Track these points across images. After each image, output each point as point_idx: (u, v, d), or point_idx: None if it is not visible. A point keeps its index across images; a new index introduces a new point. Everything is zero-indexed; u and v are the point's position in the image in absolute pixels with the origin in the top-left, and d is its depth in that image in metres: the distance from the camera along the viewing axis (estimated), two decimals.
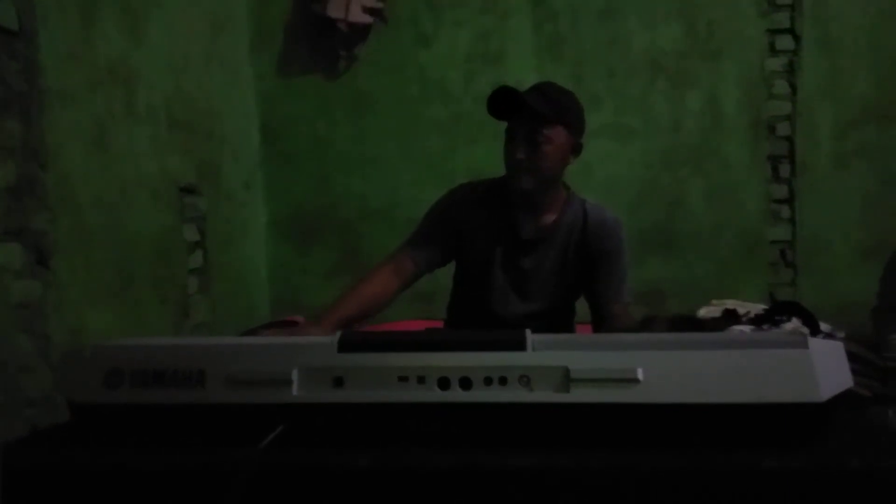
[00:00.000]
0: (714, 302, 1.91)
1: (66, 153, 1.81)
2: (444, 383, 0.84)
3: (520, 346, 0.85)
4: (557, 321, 1.67)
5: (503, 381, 0.84)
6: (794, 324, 1.58)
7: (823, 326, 1.57)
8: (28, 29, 1.66)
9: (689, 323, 1.51)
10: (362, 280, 1.58)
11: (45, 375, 1.66)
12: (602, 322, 1.61)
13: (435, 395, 0.84)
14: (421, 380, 0.85)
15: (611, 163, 3.11)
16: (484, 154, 3.02)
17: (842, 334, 1.56)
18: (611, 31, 3.12)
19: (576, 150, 1.57)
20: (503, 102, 1.49)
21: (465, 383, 0.84)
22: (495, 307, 1.63)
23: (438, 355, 0.85)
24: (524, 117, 1.50)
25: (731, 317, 1.71)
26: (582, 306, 1.76)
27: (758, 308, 1.70)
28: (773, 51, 3.11)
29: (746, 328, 1.59)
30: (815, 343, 0.83)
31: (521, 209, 1.59)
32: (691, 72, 3.11)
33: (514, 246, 1.60)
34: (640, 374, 0.82)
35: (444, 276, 1.82)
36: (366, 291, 1.54)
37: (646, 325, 1.45)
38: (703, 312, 1.81)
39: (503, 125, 1.56)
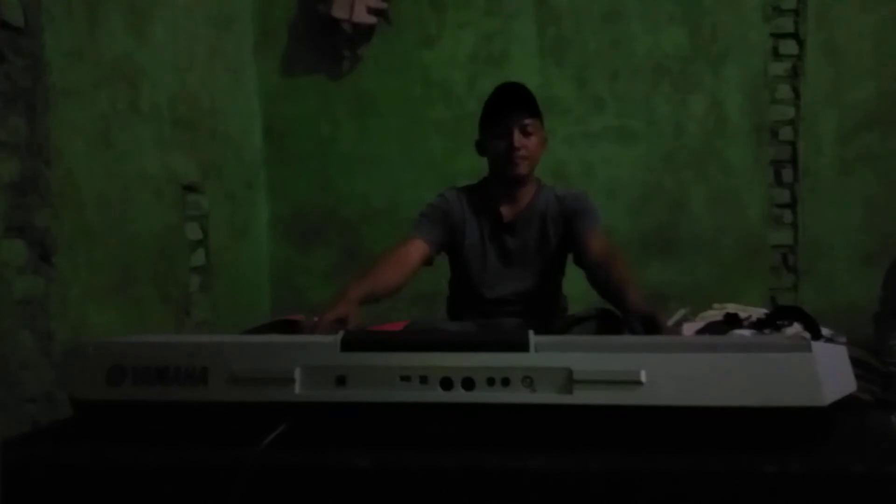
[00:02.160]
0: (715, 306, 1.91)
1: (70, 150, 1.81)
2: (446, 383, 0.84)
3: (523, 346, 0.85)
4: (545, 300, 1.77)
5: (506, 381, 0.84)
6: (795, 328, 1.59)
7: (825, 331, 1.57)
8: (33, 26, 1.66)
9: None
10: (380, 262, 1.62)
11: (47, 371, 1.66)
12: (590, 262, 1.62)
13: (437, 395, 0.84)
14: (423, 380, 0.85)
15: (613, 165, 3.11)
16: None
17: (843, 339, 1.56)
18: (614, 33, 3.12)
19: (545, 141, 1.75)
20: (510, 96, 1.66)
21: (468, 384, 0.84)
22: (488, 288, 1.74)
23: (441, 355, 0.85)
24: (519, 111, 1.66)
25: (732, 321, 1.71)
26: (575, 294, 1.81)
27: (759, 312, 1.70)
28: (777, 55, 3.10)
29: (747, 332, 1.59)
30: (819, 347, 0.82)
31: (502, 198, 1.74)
32: (694, 75, 3.11)
33: (498, 229, 1.75)
34: (643, 377, 0.81)
35: (445, 276, 1.84)
36: (381, 273, 1.58)
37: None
38: (675, 320, 1.80)
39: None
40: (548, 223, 1.75)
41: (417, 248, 1.68)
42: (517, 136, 1.65)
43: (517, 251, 1.75)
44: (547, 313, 1.74)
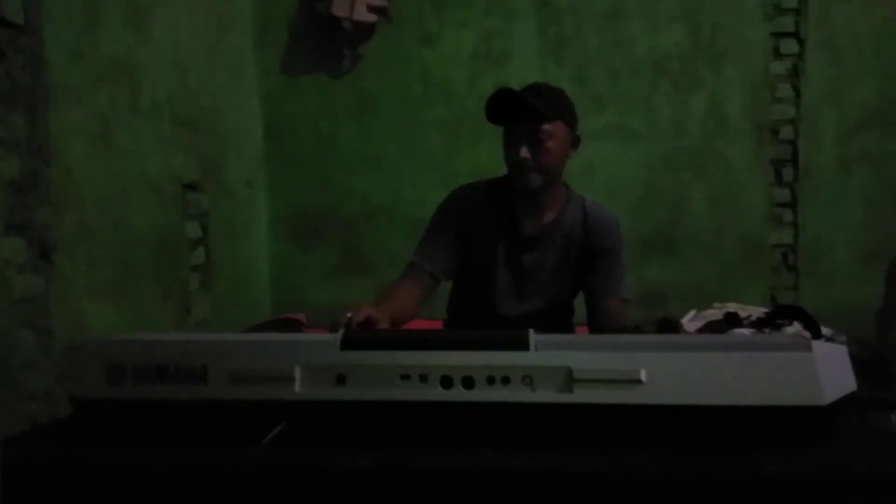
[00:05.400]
0: (716, 305, 1.90)
1: (70, 149, 1.81)
2: (446, 382, 0.84)
3: (523, 345, 0.85)
4: (556, 319, 1.68)
5: (506, 380, 0.84)
6: (795, 328, 1.58)
7: (825, 331, 1.56)
8: (33, 24, 1.66)
9: (666, 325, 1.51)
10: (388, 295, 1.55)
11: (47, 370, 1.66)
12: (596, 316, 1.62)
13: (437, 393, 0.84)
14: (423, 378, 0.85)
15: (613, 165, 3.11)
16: (487, 154, 3.02)
17: (843, 338, 1.56)
18: (615, 33, 3.12)
19: (575, 143, 1.59)
20: (504, 104, 1.50)
21: (468, 382, 0.84)
22: (497, 305, 1.63)
23: (441, 354, 0.85)
24: (524, 117, 1.50)
25: (732, 320, 1.71)
26: (580, 307, 1.77)
27: (759, 312, 1.69)
28: (777, 54, 3.10)
29: (747, 331, 1.58)
30: (819, 346, 0.83)
31: (522, 207, 1.60)
32: (695, 75, 3.11)
33: (516, 243, 1.61)
34: (642, 376, 0.81)
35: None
36: (396, 306, 1.51)
37: (636, 332, 1.45)
38: (693, 315, 1.81)
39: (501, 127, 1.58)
40: (570, 244, 1.61)
41: (423, 282, 1.59)
42: (523, 146, 1.50)
43: (533, 270, 1.61)
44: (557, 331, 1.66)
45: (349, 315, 1.27)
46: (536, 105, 1.48)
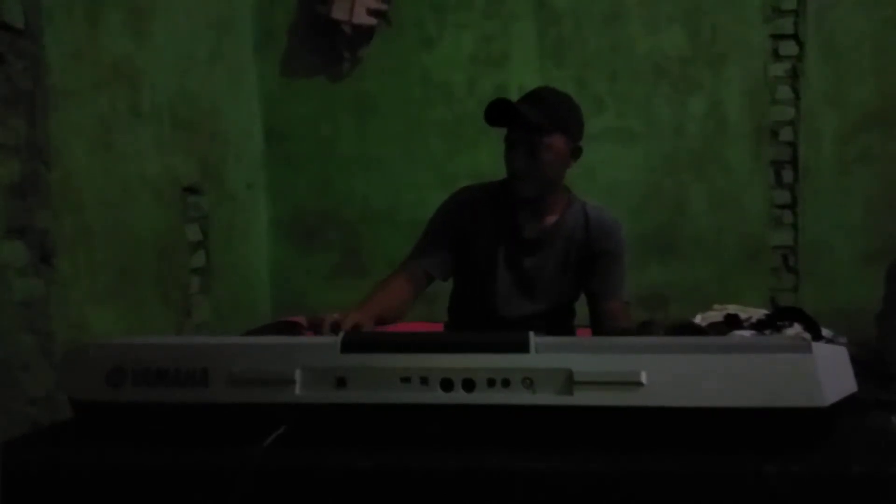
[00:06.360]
0: (716, 307, 1.91)
1: (71, 152, 1.81)
2: (446, 384, 0.84)
3: (523, 347, 0.85)
4: (557, 321, 1.68)
5: (506, 382, 0.83)
6: (795, 329, 1.58)
7: (825, 332, 1.57)
8: (34, 27, 1.66)
9: (688, 329, 1.51)
10: (378, 289, 1.56)
11: (47, 373, 1.66)
12: (598, 318, 1.62)
13: (437, 396, 0.84)
14: (423, 381, 0.84)
15: (613, 166, 3.11)
16: (487, 157, 3.02)
17: (843, 340, 1.56)
18: (614, 35, 3.12)
19: (575, 154, 1.58)
20: (500, 113, 1.50)
21: (468, 385, 0.84)
22: (498, 308, 1.63)
23: (441, 356, 0.85)
24: (522, 126, 1.50)
25: (732, 322, 1.71)
26: (581, 309, 1.77)
27: (759, 313, 1.69)
28: (777, 56, 3.10)
29: (748, 333, 1.58)
30: (819, 348, 0.82)
31: (523, 210, 1.60)
32: (694, 76, 3.11)
33: (516, 246, 1.61)
34: (643, 378, 0.81)
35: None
36: (384, 300, 1.52)
37: (644, 330, 1.45)
38: (700, 318, 1.82)
39: (505, 129, 1.57)
40: (571, 247, 1.60)
41: (417, 279, 1.59)
42: (519, 157, 1.50)
43: (534, 272, 1.61)
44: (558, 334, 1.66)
45: (334, 318, 1.26)
46: (532, 117, 1.47)
